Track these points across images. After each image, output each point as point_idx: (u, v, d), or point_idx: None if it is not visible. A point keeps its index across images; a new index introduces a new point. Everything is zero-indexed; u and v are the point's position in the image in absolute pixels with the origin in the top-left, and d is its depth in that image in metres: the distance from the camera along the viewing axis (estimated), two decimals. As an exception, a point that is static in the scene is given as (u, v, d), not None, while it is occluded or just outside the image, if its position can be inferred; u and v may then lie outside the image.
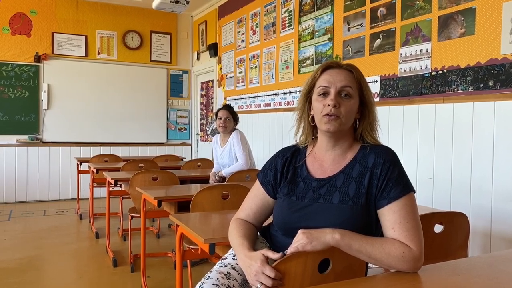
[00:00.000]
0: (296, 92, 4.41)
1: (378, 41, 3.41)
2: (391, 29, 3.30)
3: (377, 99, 3.42)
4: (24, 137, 6.17)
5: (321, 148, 1.41)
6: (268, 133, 4.93)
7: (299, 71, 4.37)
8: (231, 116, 3.84)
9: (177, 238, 1.96)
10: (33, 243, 4.20)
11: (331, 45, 3.91)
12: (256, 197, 1.49)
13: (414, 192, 1.30)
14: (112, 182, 3.55)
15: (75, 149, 6.45)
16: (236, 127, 3.91)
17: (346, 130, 1.36)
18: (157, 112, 7.04)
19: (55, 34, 6.34)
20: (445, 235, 1.75)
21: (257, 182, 1.51)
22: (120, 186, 4.06)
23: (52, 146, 6.33)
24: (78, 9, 6.45)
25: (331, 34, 3.91)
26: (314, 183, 1.36)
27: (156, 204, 2.58)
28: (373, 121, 1.39)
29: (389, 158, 1.30)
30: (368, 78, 3.50)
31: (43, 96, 6.25)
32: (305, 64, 4.27)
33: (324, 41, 4.00)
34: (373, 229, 1.29)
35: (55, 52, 6.34)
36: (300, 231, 1.20)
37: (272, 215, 1.47)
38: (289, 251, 1.17)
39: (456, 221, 1.79)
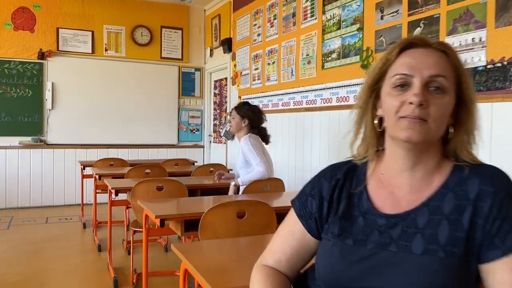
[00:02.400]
0: (320, 90, 3.95)
1: (418, 30, 2.94)
2: (435, 16, 2.82)
3: (417, 98, 2.95)
4: (27, 139, 5.82)
5: (392, 167, 0.96)
6: (287, 136, 4.48)
7: (323, 66, 3.91)
8: (237, 113, 3.36)
9: (181, 275, 1.53)
10: (30, 256, 3.83)
11: (361, 36, 3.45)
12: (291, 235, 1.04)
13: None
14: (113, 192, 3.15)
15: (81, 151, 6.09)
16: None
17: (434, 141, 0.91)
18: (167, 112, 6.64)
19: (60, 29, 5.98)
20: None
21: (292, 214, 1.06)
22: (126, 192, 3.67)
23: (57, 148, 5.97)
24: (84, 3, 6.08)
25: (361, 23, 3.45)
26: (381, 221, 0.91)
27: (158, 223, 2.16)
28: (473, 129, 0.93)
29: (503, 185, 0.85)
30: (405, 73, 3.03)
31: (47, 95, 5.89)
32: (330, 58, 3.81)
33: (352, 31, 3.54)
34: (471, 292, 0.84)
35: (60, 49, 5.97)
36: None
37: (314, 263, 1.02)
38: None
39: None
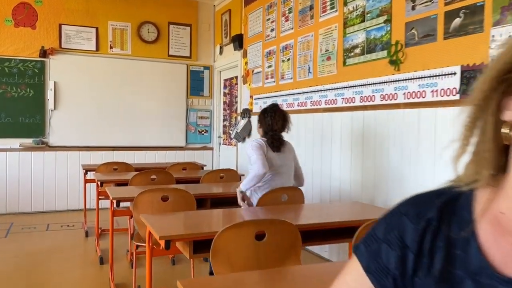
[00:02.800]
0: (341, 88, 3.61)
1: (457, 21, 2.59)
2: (478, 4, 2.47)
3: (456, 97, 2.60)
4: (28, 141, 5.55)
5: None
6: (303, 138, 4.15)
7: (344, 63, 3.57)
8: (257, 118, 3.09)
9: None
10: (26, 269, 3.54)
11: (389, 28, 3.10)
12: None
13: None
14: (115, 202, 2.84)
15: (85, 154, 5.80)
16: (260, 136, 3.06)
17: None
18: (175, 113, 6.34)
19: (62, 26, 5.70)
20: None
21: (355, 266, 0.71)
22: (131, 200, 3.37)
23: (59, 151, 5.70)
24: (88, -2, 5.81)
25: (389, 15, 3.10)
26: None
27: (163, 245, 1.84)
28: None
29: None
30: (442, 70, 2.69)
31: (50, 95, 5.61)
32: (352, 53, 3.47)
33: (378, 24, 3.19)
34: None
35: (62, 46, 5.70)
36: None
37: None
38: None
39: None
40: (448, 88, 2.64)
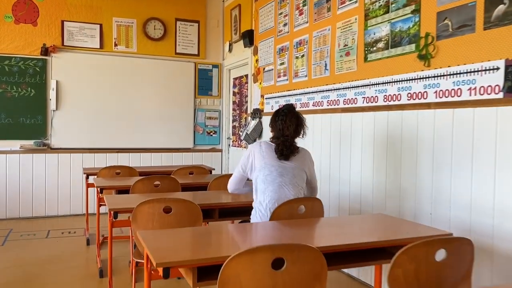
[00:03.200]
0: (362, 86, 3.29)
1: (501, 8, 2.26)
2: (526, -12, 2.14)
3: (499, 96, 2.28)
4: (29, 143, 5.32)
5: None
6: (319, 141, 3.84)
7: (365, 59, 3.25)
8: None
9: None
10: (21, 282, 3.28)
11: (417, 19, 2.78)
12: None
13: None
14: (112, 214, 2.56)
15: (88, 156, 5.55)
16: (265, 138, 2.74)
17: None
18: (182, 113, 6.06)
19: (65, 22, 5.45)
20: None
21: None
22: (130, 211, 3.09)
23: (62, 153, 5.46)
24: (92, -7, 5.56)
25: (417, 4, 2.78)
26: None
27: (161, 272, 1.55)
28: None
29: None
30: (482, 65, 2.36)
31: (51, 94, 5.37)
32: (375, 48, 3.14)
33: (405, 15, 2.87)
34: None
35: (65, 44, 5.45)
36: None
37: None
38: None
39: None
40: (489, 86, 2.32)
